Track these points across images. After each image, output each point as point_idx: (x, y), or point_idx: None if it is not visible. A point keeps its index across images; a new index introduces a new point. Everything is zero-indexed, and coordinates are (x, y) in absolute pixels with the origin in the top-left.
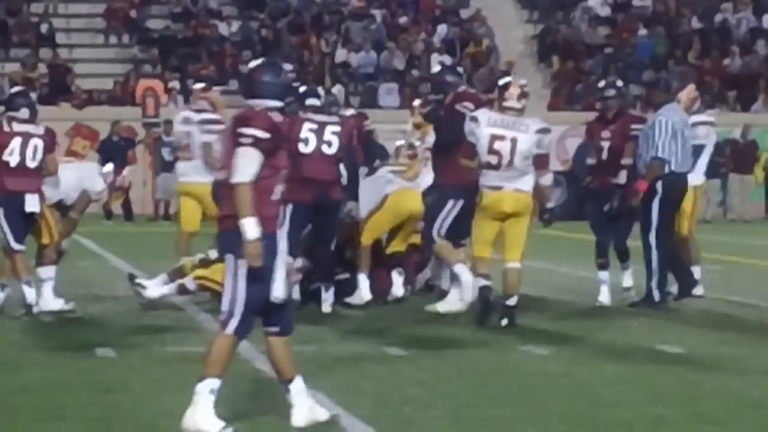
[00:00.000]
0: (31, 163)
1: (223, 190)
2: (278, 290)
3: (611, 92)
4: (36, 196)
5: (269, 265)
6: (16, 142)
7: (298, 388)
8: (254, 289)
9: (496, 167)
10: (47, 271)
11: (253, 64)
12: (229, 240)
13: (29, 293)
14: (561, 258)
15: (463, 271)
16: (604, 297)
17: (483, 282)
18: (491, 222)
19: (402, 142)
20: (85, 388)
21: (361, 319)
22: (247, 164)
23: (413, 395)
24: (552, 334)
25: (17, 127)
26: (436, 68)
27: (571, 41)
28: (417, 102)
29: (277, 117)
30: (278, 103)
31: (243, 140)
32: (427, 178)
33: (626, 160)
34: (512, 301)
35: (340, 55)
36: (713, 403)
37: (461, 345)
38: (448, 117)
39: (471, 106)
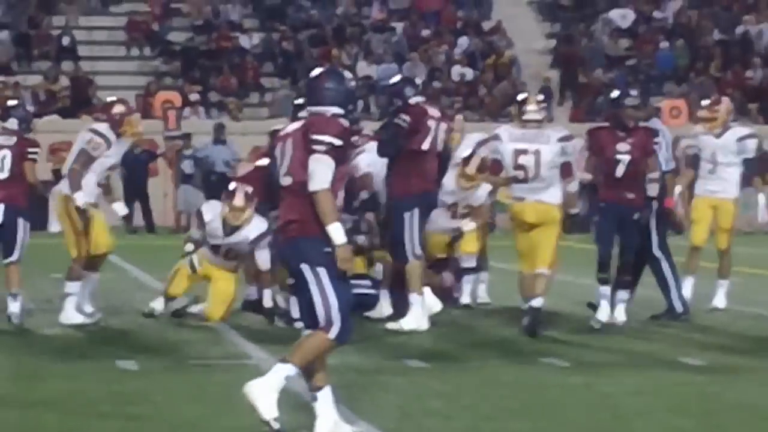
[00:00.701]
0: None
1: (287, 196)
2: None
3: (634, 101)
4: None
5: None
6: None
7: (326, 398)
8: (342, 291)
9: (524, 180)
10: (70, 286)
11: (315, 72)
12: (298, 248)
13: None
14: (582, 270)
15: (418, 302)
16: (603, 314)
17: (530, 304)
18: (522, 234)
19: (468, 152)
20: (106, 400)
21: (382, 332)
22: (324, 171)
23: (434, 407)
24: (573, 346)
25: None
26: (394, 79)
27: (575, 53)
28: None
29: (346, 123)
30: (341, 110)
31: (317, 147)
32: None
33: (653, 174)
34: (537, 302)
35: (362, 67)
36: (733, 415)
37: (482, 357)
38: (387, 129)
39: (407, 119)
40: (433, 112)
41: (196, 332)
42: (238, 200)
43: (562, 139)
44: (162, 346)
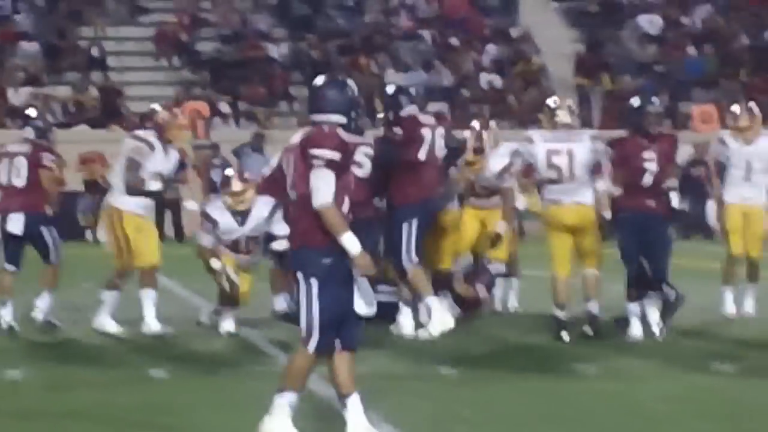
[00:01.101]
0: (17, 182)
1: (293, 208)
2: (361, 305)
3: (656, 108)
4: (19, 216)
5: (345, 280)
6: (5, 161)
7: (355, 405)
8: (328, 306)
9: (558, 181)
10: (105, 294)
11: (318, 80)
12: (299, 258)
13: (4, 313)
14: (613, 276)
15: (434, 302)
16: (636, 331)
17: (558, 314)
18: (559, 235)
19: (468, 133)
20: (137, 410)
21: (413, 340)
22: (325, 185)
23: (465, 414)
24: (604, 353)
25: (9, 146)
26: (390, 89)
27: (603, 59)
28: (476, 122)
29: (344, 134)
30: (342, 119)
31: (315, 162)
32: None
33: (672, 182)
34: (594, 308)
35: (390, 75)
36: (765, 420)
37: (513, 364)
38: (381, 140)
39: (399, 132)
40: (427, 120)
41: (226, 341)
42: (236, 185)
43: (593, 138)
44: (193, 355)
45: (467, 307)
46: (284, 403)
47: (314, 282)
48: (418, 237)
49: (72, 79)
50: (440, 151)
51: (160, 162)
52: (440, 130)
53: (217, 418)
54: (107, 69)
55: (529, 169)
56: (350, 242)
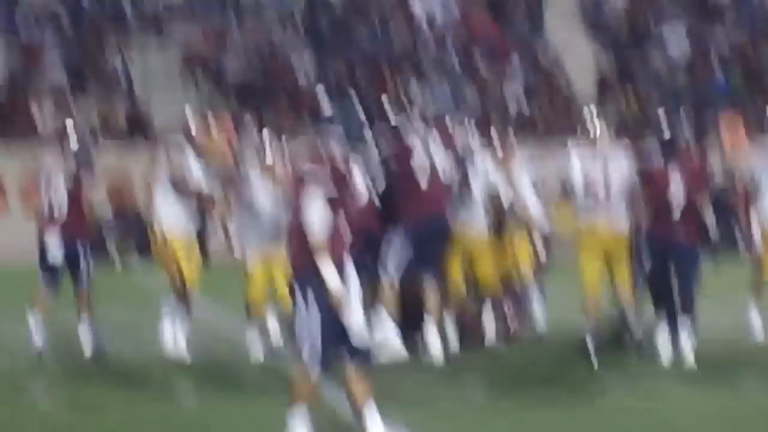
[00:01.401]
0: (57, 207)
1: (290, 232)
2: (356, 328)
3: (684, 130)
4: (59, 243)
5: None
6: (45, 186)
7: (371, 414)
8: (329, 322)
9: (594, 200)
10: (165, 308)
11: (326, 103)
12: (299, 276)
13: (35, 332)
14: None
15: (383, 317)
16: (665, 352)
17: (588, 335)
18: (591, 255)
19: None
20: (166, 430)
21: (440, 363)
22: (315, 223)
23: None
24: (634, 370)
25: (50, 171)
26: (392, 121)
27: (630, 78)
28: (496, 142)
29: (341, 161)
30: (342, 141)
31: (310, 192)
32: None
33: (705, 206)
34: (635, 321)
35: (416, 95)
36: None
37: (541, 385)
38: (381, 160)
39: (394, 158)
40: (423, 137)
41: (257, 365)
42: (269, 159)
43: (629, 159)
44: (222, 376)
45: (506, 336)
46: (297, 420)
47: (315, 300)
48: (434, 254)
49: (98, 102)
50: (444, 166)
51: (195, 168)
52: (442, 151)
53: None
54: (133, 91)
55: (565, 192)
56: (331, 278)
